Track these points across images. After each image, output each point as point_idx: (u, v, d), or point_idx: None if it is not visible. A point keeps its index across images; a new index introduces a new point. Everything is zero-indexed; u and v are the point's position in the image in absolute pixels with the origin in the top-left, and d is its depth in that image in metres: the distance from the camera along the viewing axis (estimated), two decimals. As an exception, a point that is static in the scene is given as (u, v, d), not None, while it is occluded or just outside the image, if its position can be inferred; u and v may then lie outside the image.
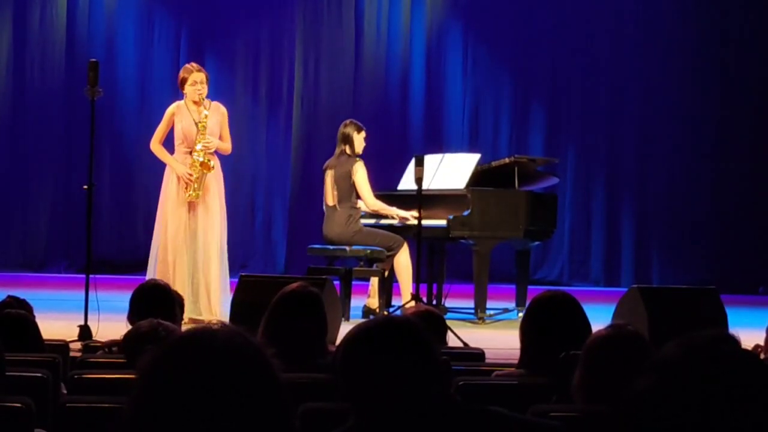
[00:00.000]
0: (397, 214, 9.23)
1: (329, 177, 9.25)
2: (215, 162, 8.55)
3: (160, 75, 13.34)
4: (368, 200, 9.19)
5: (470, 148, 12.06)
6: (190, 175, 8.42)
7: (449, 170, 9.36)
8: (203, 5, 13.46)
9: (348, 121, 9.37)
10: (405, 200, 9.18)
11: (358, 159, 9.15)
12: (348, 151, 9.20)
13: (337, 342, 2.40)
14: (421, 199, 8.27)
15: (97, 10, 13.29)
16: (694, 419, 1.43)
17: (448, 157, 9.64)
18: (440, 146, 12.20)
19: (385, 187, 9.66)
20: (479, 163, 9.42)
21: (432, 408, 2.21)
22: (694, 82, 13.75)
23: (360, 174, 9.11)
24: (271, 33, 13.53)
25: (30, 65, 13.21)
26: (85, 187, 7.58)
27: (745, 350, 1.50)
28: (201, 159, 8.43)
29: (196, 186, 8.42)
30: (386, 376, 2.21)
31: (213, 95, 8.94)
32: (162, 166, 8.66)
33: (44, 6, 13.22)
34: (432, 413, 2.21)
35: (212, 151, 8.52)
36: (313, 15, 13.56)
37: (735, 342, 1.53)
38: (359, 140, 9.22)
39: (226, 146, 8.66)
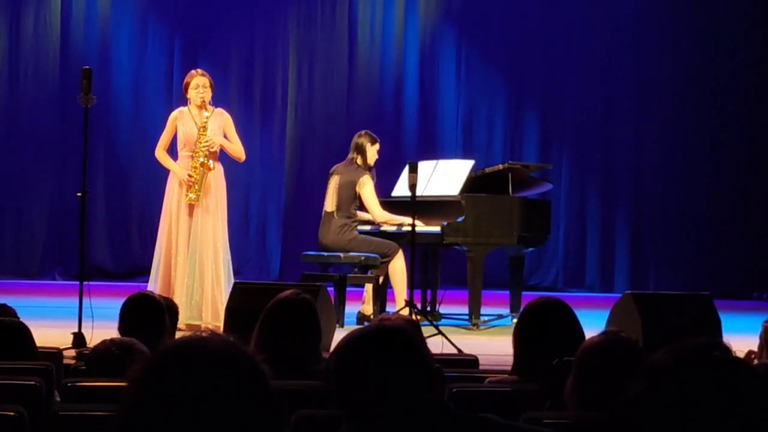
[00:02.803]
0: (408, 224, 9.17)
1: (333, 182, 9.21)
2: (218, 165, 8.54)
3: (154, 82, 13.34)
4: (376, 213, 9.16)
5: (464, 155, 12.07)
6: (190, 176, 8.41)
7: (443, 176, 9.36)
8: (197, 12, 13.45)
9: (363, 132, 9.34)
10: (399, 207, 9.17)
11: (366, 171, 9.11)
12: (359, 161, 9.17)
13: (332, 349, 2.40)
14: (415, 206, 8.27)
15: (91, 18, 13.28)
16: (686, 426, 1.43)
17: (442, 163, 9.64)
18: (434, 152, 12.20)
19: (379, 193, 9.66)
20: (473, 170, 9.43)
21: (425, 415, 2.21)
22: (689, 89, 13.76)
23: (367, 188, 9.07)
24: (264, 40, 13.53)
25: (24, 72, 13.20)
26: (79, 194, 7.57)
27: (736, 357, 1.50)
28: (201, 159, 8.42)
29: (196, 188, 8.41)
30: (379, 382, 2.21)
31: (208, 101, 8.93)
32: (159, 173, 8.64)
33: (38, 13, 13.21)
34: (425, 420, 2.21)
35: (214, 150, 8.50)
36: (307, 21, 13.56)
37: (726, 349, 1.53)
38: (372, 152, 9.19)
39: (237, 149, 8.66)
